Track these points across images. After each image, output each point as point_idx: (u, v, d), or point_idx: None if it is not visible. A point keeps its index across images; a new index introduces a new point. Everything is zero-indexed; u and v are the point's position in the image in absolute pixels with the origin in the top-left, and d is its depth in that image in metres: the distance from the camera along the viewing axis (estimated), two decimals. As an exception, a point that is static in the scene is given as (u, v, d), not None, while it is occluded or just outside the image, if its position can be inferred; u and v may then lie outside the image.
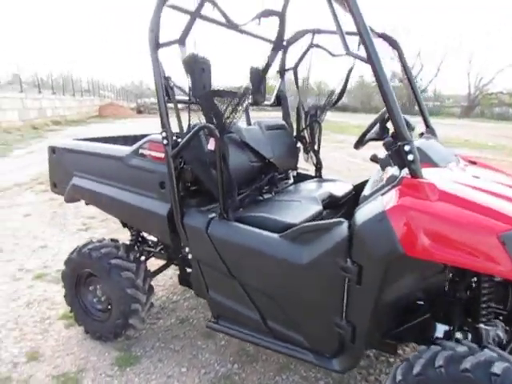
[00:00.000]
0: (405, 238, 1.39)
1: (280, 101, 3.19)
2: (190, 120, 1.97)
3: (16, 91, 17.28)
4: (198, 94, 1.99)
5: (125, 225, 2.82)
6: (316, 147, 3.10)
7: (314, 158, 3.11)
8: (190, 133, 1.89)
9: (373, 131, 2.32)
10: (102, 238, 2.58)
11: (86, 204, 2.72)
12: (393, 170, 1.61)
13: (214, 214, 1.99)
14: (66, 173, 2.60)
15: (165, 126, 1.94)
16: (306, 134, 3.10)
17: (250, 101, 1.96)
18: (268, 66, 2.58)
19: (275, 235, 1.79)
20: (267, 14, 1.88)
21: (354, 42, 2.60)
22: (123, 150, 2.33)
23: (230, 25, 1.92)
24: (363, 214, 1.54)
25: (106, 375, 2.24)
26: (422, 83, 44.26)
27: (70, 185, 2.55)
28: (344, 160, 9.87)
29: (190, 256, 2.06)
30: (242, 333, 2.00)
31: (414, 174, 1.47)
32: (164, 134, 1.94)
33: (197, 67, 2.01)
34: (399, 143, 1.48)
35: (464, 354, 1.37)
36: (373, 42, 1.48)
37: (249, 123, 2.98)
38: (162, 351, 2.45)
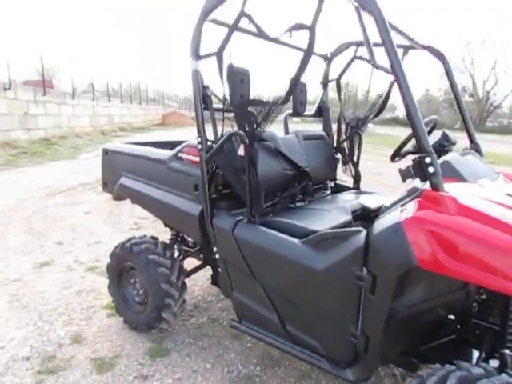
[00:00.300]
0: (419, 250, 1.39)
1: (321, 112, 3.24)
2: (223, 127, 2.09)
3: (89, 99, 18.77)
4: (233, 102, 2.11)
5: (166, 225, 3.00)
6: (355, 158, 3.10)
7: (352, 169, 3.11)
8: (222, 139, 2.01)
9: (410, 144, 2.30)
10: (143, 235, 2.77)
11: (132, 203, 2.94)
12: (414, 182, 1.61)
13: (241, 217, 2.08)
14: (115, 173, 2.84)
15: (200, 132, 2.08)
16: (345, 145, 3.12)
17: (280, 110, 2.02)
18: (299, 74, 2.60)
19: (296, 240, 1.84)
20: (297, 27, 1.95)
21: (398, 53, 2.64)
22: (165, 153, 2.51)
23: (265, 37, 2.01)
24: (381, 224, 1.55)
25: (138, 363, 2.39)
26: (496, 98, 41.68)
27: (117, 184, 2.79)
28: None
29: (217, 256, 2.16)
30: (262, 334, 2.06)
31: (435, 187, 1.47)
32: (199, 140, 2.08)
33: (236, 78, 2.13)
34: (420, 155, 1.49)
35: (479, 376, 1.33)
36: (397, 54, 1.51)
37: (287, 132, 3.05)
38: (191, 347, 2.57)
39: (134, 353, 2.49)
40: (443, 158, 1.76)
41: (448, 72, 2.57)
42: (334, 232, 1.74)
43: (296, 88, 2.82)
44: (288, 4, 1.83)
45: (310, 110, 3.22)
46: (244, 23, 1.99)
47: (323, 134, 3.13)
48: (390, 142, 19.97)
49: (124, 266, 2.69)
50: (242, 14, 1.96)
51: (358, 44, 2.92)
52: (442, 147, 2.25)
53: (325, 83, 3.22)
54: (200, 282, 3.47)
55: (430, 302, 1.68)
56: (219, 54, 2.05)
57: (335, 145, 3.16)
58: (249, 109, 2.03)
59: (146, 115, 27.48)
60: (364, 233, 1.62)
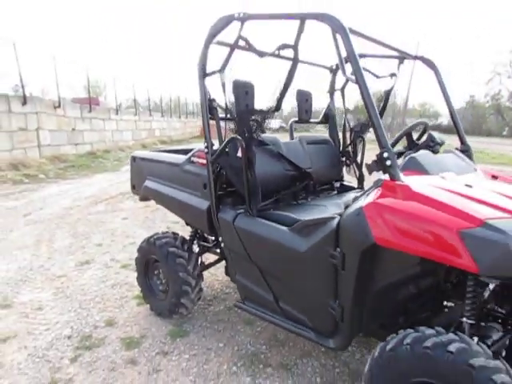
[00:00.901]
0: (375, 229, 1.63)
1: (328, 118, 3.49)
2: (225, 133, 2.41)
3: (131, 114, 19.88)
4: (239, 112, 2.41)
5: (187, 223, 3.36)
6: (359, 160, 3.32)
7: (356, 171, 3.34)
8: (224, 143, 2.33)
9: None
10: (166, 231, 3.14)
11: (156, 203, 3.32)
12: (378, 174, 1.85)
13: (241, 211, 2.39)
14: (141, 177, 3.24)
15: (206, 137, 2.41)
16: (350, 148, 3.35)
17: (272, 117, 2.32)
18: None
19: (285, 228, 2.12)
20: (283, 47, 2.23)
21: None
22: (181, 158, 2.87)
23: (259, 54, 2.31)
24: (349, 210, 1.81)
25: (161, 342, 2.74)
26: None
27: (143, 186, 3.18)
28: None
29: (222, 245, 2.48)
30: (261, 312, 2.35)
31: (392, 177, 1.70)
32: (205, 144, 2.42)
33: (241, 90, 2.45)
34: (380, 150, 1.73)
35: (429, 335, 1.55)
36: (359, 66, 1.78)
37: (292, 138, 3.33)
38: (207, 330, 2.89)
39: (157, 334, 2.84)
40: (411, 154, 1.98)
41: (439, 80, 2.76)
42: (314, 219, 2.01)
43: (301, 98, 3.13)
44: (277, 26, 2.10)
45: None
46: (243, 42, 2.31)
47: (327, 138, 3.38)
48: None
49: (149, 258, 3.07)
50: (239, 37, 2.28)
51: (360, 56, 3.16)
52: (428, 147, 2.47)
53: (331, 92, 3.48)
54: (220, 276, 3.80)
55: (395, 279, 1.90)
56: (222, 71, 2.38)
57: (341, 149, 3.40)
58: (247, 117, 2.34)
59: (185, 128, 28.56)
60: (337, 219, 1.87)
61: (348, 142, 3.35)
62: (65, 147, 13.60)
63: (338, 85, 3.43)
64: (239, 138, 2.25)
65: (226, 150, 2.39)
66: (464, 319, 1.73)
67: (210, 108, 2.43)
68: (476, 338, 1.61)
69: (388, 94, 3.06)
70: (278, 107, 2.49)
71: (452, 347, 1.46)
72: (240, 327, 2.92)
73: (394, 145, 2.69)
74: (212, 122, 2.45)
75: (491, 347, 1.68)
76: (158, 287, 3.09)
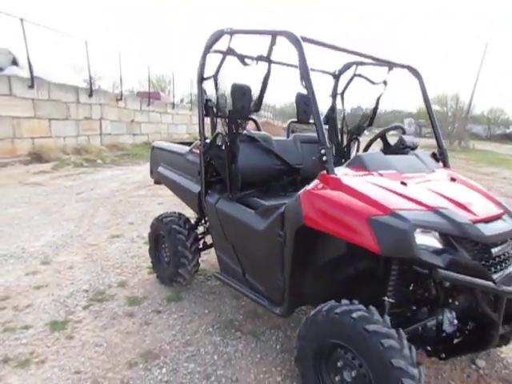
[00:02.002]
0: (306, 213, 1.97)
1: (328, 120, 3.78)
2: (216, 129, 2.82)
3: (187, 109, 20.98)
4: (237, 111, 2.76)
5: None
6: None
7: None
8: (212, 137, 2.75)
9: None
10: (173, 211, 3.63)
11: (166, 186, 3.82)
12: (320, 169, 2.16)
13: (224, 195, 2.80)
14: (156, 163, 3.77)
15: (200, 132, 2.85)
16: (346, 149, 3.63)
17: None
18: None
19: (252, 211, 2.50)
20: (259, 58, 2.58)
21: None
22: (186, 148, 3.34)
23: (244, 63, 2.67)
24: (293, 197, 2.15)
25: (157, 303, 3.24)
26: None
27: (156, 171, 3.70)
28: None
29: (208, 224, 2.91)
30: (232, 282, 2.75)
31: (328, 171, 2.03)
32: (199, 138, 2.85)
33: (238, 92, 2.84)
34: (319, 148, 2.05)
35: (342, 305, 1.87)
36: (309, 77, 2.10)
37: (288, 136, 3.67)
38: (199, 299, 3.34)
39: (157, 297, 3.34)
40: (358, 153, 2.28)
41: (422, 87, 2.98)
42: (272, 205, 2.37)
43: (300, 100, 3.47)
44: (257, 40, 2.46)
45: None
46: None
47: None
48: (488, 159, 18.71)
49: (158, 233, 3.57)
50: (228, 49, 2.66)
51: (358, 64, 3.44)
52: (399, 149, 2.73)
53: (333, 96, 3.77)
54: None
55: (326, 257, 2.20)
56: (215, 76, 2.79)
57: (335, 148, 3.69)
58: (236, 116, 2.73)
59: (239, 124, 29.38)
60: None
61: (345, 142, 3.63)
62: (123, 136, 14.80)
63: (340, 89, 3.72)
64: (223, 133, 2.65)
65: (219, 143, 2.81)
66: (386, 298, 2.00)
67: (205, 107, 2.86)
68: (388, 317, 1.87)
69: (378, 100, 3.31)
70: (257, 108, 2.84)
71: (355, 314, 1.78)
72: (227, 300, 3.33)
73: (368, 146, 3.00)
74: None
75: (406, 325, 1.95)
76: (163, 259, 3.59)
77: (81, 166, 10.56)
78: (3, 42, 11.37)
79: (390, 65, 3.08)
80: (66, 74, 14.42)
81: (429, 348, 2.08)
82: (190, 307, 3.19)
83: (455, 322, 2.01)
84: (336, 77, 3.71)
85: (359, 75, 3.47)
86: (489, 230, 1.88)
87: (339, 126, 3.72)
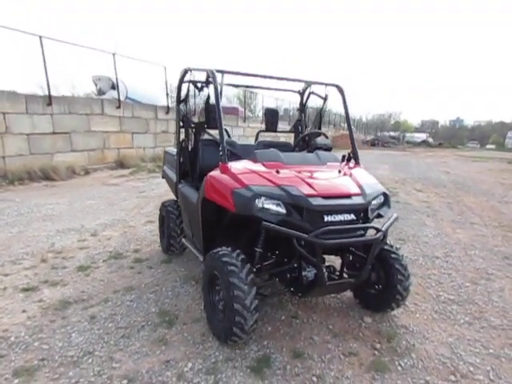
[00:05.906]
0: (206, 189, 3.03)
1: (296, 129, 4.73)
2: (187, 135, 3.98)
3: (258, 122, 22.52)
4: (208, 123, 3.91)
5: None
6: None
7: None
8: (181, 142, 3.92)
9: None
10: (171, 199, 4.86)
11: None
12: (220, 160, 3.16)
13: (189, 183, 3.93)
14: (164, 164, 5.05)
15: (176, 138, 4.04)
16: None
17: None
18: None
19: (195, 190, 3.60)
20: (233, 85, 3.66)
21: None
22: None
23: (198, 90, 3.78)
24: None
25: (154, 263, 4.48)
26: None
27: (162, 169, 4.99)
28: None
29: (179, 204, 4.07)
30: (188, 244, 3.86)
31: (223, 161, 3.05)
32: (176, 142, 4.05)
33: (210, 108, 3.97)
34: (220, 147, 3.09)
35: (222, 250, 2.87)
36: (220, 110, 3.15)
37: (255, 142, 4.66)
38: (185, 263, 4.51)
39: (156, 260, 4.59)
40: (256, 150, 3.25)
41: (344, 102, 3.81)
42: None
43: (268, 113, 4.50)
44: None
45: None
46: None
47: (288, 142, 4.62)
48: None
49: (163, 214, 4.83)
50: (190, 80, 3.80)
51: (310, 84, 4.37)
52: (316, 148, 3.64)
53: (300, 109, 4.72)
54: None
55: (223, 220, 3.19)
56: (185, 100, 3.95)
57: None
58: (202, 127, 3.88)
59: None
60: None
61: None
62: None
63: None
64: (186, 138, 3.81)
65: (190, 146, 3.98)
66: (256, 248, 2.92)
67: (182, 120, 4.04)
68: (241, 256, 2.80)
69: (320, 111, 4.20)
70: (214, 125, 3.89)
71: (221, 253, 2.78)
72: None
73: (296, 144, 3.93)
74: None
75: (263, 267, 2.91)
76: (165, 233, 4.83)
77: (153, 172, 12.52)
78: (103, 70, 13.99)
79: (326, 84, 3.97)
80: (153, 93, 16.89)
81: (292, 289, 2.96)
82: (174, 267, 4.37)
83: (308, 269, 2.88)
84: (300, 93, 4.65)
85: (313, 93, 4.39)
86: (318, 202, 2.70)
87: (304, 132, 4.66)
